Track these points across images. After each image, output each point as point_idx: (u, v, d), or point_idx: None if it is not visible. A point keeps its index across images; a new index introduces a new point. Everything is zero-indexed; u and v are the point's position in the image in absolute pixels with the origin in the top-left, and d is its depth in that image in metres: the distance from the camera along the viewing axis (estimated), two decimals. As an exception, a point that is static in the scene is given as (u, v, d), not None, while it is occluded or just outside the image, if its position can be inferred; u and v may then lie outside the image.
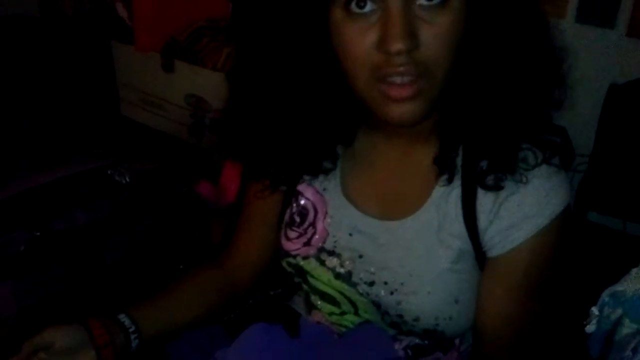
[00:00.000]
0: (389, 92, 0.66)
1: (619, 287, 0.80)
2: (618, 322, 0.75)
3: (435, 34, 0.64)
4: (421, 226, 0.80)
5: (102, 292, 1.43)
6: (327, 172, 0.86)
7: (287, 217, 0.90)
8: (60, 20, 2.79)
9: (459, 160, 0.78)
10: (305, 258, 0.87)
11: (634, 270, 0.81)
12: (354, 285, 0.83)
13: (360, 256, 0.83)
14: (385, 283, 0.81)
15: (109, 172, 1.44)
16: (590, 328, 0.77)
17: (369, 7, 0.64)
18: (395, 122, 0.69)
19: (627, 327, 0.73)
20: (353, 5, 0.65)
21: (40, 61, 2.59)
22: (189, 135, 2.42)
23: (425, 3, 0.63)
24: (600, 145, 1.98)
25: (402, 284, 0.80)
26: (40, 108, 2.40)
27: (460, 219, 0.77)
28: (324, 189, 0.87)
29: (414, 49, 0.64)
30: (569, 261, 0.84)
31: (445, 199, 0.79)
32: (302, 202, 0.88)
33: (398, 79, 0.65)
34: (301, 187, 0.89)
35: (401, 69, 0.64)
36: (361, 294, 0.83)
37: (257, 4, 0.75)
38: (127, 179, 1.43)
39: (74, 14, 2.76)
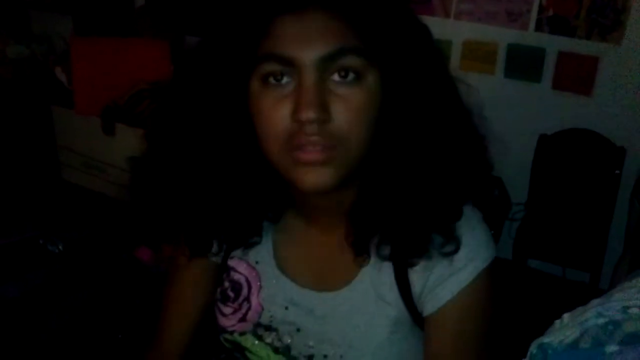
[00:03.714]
0: (300, 157, 0.67)
1: (545, 339, 0.81)
2: (547, 374, 0.75)
3: (347, 108, 0.65)
4: (358, 296, 0.79)
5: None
6: (255, 245, 0.84)
7: (218, 294, 0.88)
8: (-1, 84, 2.76)
9: (375, 240, 0.77)
10: (242, 334, 0.85)
11: (557, 322, 0.83)
12: (293, 359, 0.82)
13: (298, 329, 0.82)
14: (325, 356, 0.79)
15: (40, 241, 1.40)
16: (520, 380, 0.78)
17: (285, 79, 0.66)
18: (306, 188, 0.68)
19: (555, 379, 0.74)
20: (270, 78, 0.67)
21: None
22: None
23: (339, 79, 0.65)
24: (534, 194, 2.04)
25: (341, 356, 0.79)
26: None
27: (395, 286, 0.77)
28: (257, 262, 0.85)
29: (326, 121, 0.65)
30: (509, 308, 0.85)
31: (379, 268, 0.78)
32: (235, 277, 0.86)
33: (310, 147, 0.66)
34: (233, 262, 0.87)
35: (313, 138, 0.65)
36: None
37: (183, 68, 0.76)
38: (60, 248, 1.39)
39: (13, 78, 2.74)
